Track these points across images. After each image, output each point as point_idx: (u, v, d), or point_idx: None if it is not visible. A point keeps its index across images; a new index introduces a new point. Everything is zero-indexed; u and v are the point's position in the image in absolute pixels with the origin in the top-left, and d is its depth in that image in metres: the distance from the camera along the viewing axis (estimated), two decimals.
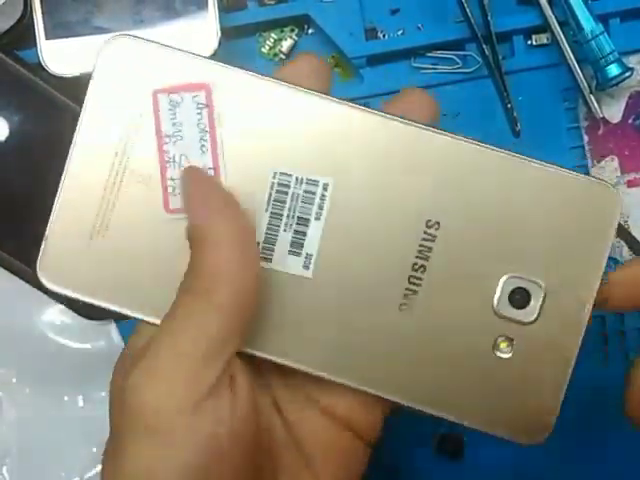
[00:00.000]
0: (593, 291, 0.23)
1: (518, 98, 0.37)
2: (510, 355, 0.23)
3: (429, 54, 0.37)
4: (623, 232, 0.36)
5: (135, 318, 0.23)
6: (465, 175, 0.23)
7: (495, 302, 0.23)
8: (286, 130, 0.23)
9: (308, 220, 0.23)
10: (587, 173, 0.37)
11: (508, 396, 0.23)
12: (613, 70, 0.34)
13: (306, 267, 0.23)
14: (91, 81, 0.22)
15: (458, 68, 0.37)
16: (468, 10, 0.36)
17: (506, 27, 0.36)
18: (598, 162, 0.37)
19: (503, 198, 0.23)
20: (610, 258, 0.36)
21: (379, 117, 0.23)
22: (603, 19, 0.35)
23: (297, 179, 0.23)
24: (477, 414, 0.23)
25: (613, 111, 0.37)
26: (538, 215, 0.23)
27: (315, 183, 0.23)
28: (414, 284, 0.22)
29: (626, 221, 0.37)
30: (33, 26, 0.34)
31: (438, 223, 0.22)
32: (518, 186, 0.23)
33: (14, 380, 0.37)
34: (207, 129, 0.22)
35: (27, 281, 0.35)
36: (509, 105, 0.36)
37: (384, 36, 0.37)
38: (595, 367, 0.37)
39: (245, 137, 0.23)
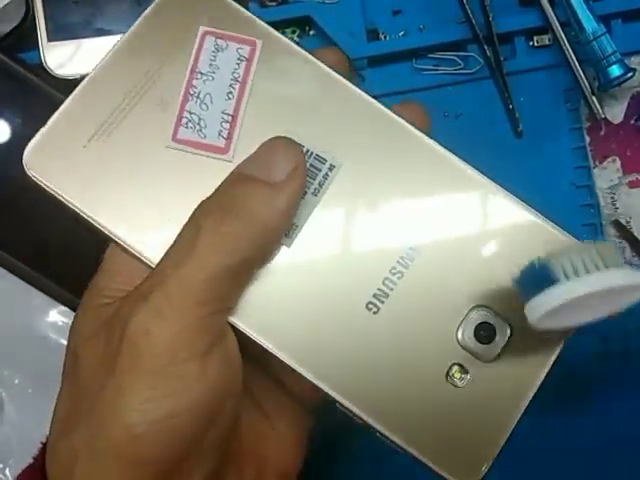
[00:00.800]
0: (556, 348, 0.22)
1: (520, 99, 0.37)
2: (461, 386, 0.22)
3: (431, 55, 0.37)
4: (626, 233, 0.36)
5: (114, 237, 0.22)
6: (458, 202, 0.23)
7: (460, 330, 0.22)
8: (311, 104, 0.23)
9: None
10: (589, 176, 0.37)
11: (450, 428, 0.22)
12: (615, 71, 0.34)
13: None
14: (154, 2, 0.24)
15: (460, 69, 0.37)
16: (470, 11, 0.36)
17: (508, 28, 0.36)
18: (600, 163, 0.37)
19: (489, 232, 0.23)
20: None
21: (404, 124, 0.23)
22: (605, 20, 0.35)
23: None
24: (410, 435, 0.22)
25: (615, 112, 0.37)
26: (513, 254, 0.22)
27: (323, 161, 0.23)
28: (387, 287, 0.22)
29: (628, 222, 0.36)
30: (35, 28, 0.34)
31: (423, 246, 0.23)
32: (503, 222, 0.23)
33: (16, 381, 0.37)
34: (240, 79, 0.23)
35: (29, 282, 0.36)
36: (511, 106, 0.36)
37: (385, 37, 0.37)
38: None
39: (271, 99, 0.23)
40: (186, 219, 0.21)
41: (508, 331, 0.22)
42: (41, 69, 0.34)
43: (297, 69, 0.23)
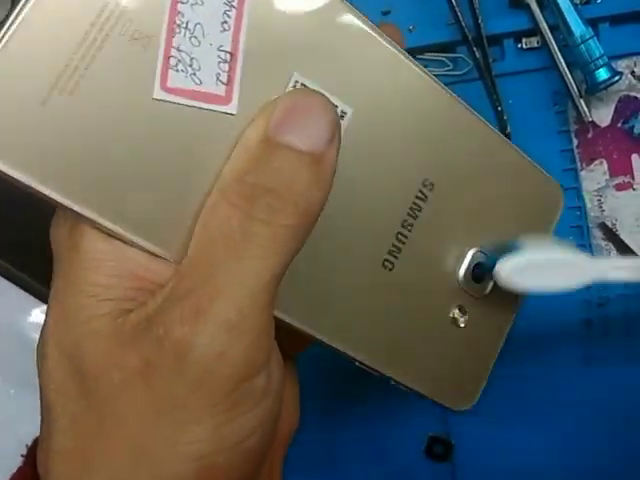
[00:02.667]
0: None
1: (508, 101, 0.37)
2: (462, 326, 0.24)
3: (420, 56, 0.37)
4: (612, 235, 0.37)
5: (101, 223, 0.18)
6: (465, 145, 0.23)
7: (461, 273, 0.23)
8: (321, 43, 0.19)
9: None
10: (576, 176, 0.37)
11: (451, 363, 0.24)
12: (602, 74, 0.34)
13: None
14: None
15: (449, 70, 0.37)
16: (459, 13, 0.36)
17: (497, 30, 0.36)
18: (587, 165, 0.37)
19: (486, 176, 0.23)
20: None
21: (416, 69, 0.22)
22: (593, 23, 0.35)
23: None
24: (422, 376, 0.23)
25: (602, 115, 0.37)
26: (509, 197, 0.24)
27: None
28: (400, 241, 0.22)
29: (614, 224, 0.37)
30: None
31: (432, 185, 0.22)
32: (502, 167, 0.24)
33: None
34: (235, 4, 0.18)
35: (10, 280, 0.35)
36: (499, 108, 0.36)
37: None
38: None
39: (276, 32, 0.19)
40: (191, 192, 0.18)
41: None
42: None
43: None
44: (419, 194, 0.22)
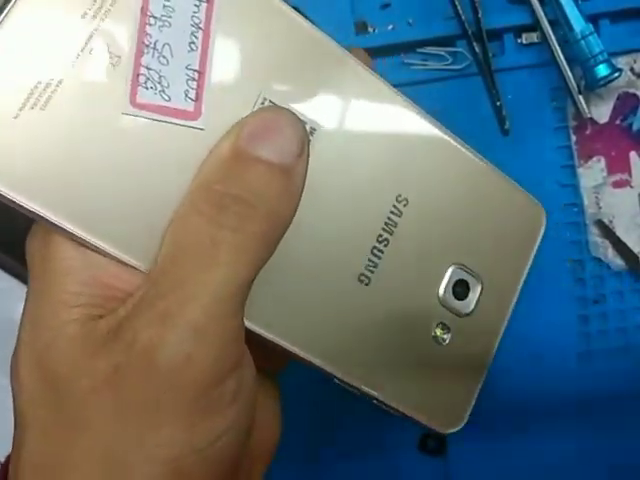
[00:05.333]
0: (513, 298, 0.24)
1: (507, 96, 0.37)
2: (445, 344, 0.23)
3: (419, 50, 0.37)
4: (608, 233, 0.37)
5: (73, 232, 0.18)
6: (438, 161, 0.23)
7: (441, 290, 0.23)
8: (286, 60, 0.20)
9: None
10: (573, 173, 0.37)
11: (436, 383, 0.23)
12: (602, 71, 0.34)
13: None
14: None
15: (448, 65, 0.37)
16: (459, 7, 0.36)
17: (497, 25, 0.36)
18: (585, 162, 0.37)
19: (463, 192, 0.23)
20: (595, 258, 0.37)
21: (382, 84, 0.22)
22: (593, 19, 0.35)
23: None
24: (405, 396, 0.23)
25: (601, 111, 0.37)
26: (488, 215, 0.24)
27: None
28: (376, 256, 0.22)
29: (611, 221, 0.37)
30: None
31: (407, 200, 0.22)
32: (477, 184, 0.24)
33: None
34: (201, 26, 0.19)
35: (5, 269, 0.35)
36: (498, 103, 0.36)
37: (374, 30, 0.37)
38: None
39: (241, 51, 0.20)
40: (161, 203, 0.18)
41: (479, 287, 0.23)
42: None
43: (267, 15, 0.20)
44: (393, 209, 0.22)
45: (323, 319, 0.21)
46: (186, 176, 0.19)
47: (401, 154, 0.22)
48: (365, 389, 0.22)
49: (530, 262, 0.25)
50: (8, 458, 0.19)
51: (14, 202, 0.17)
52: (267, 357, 0.21)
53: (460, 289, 0.23)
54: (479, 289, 0.23)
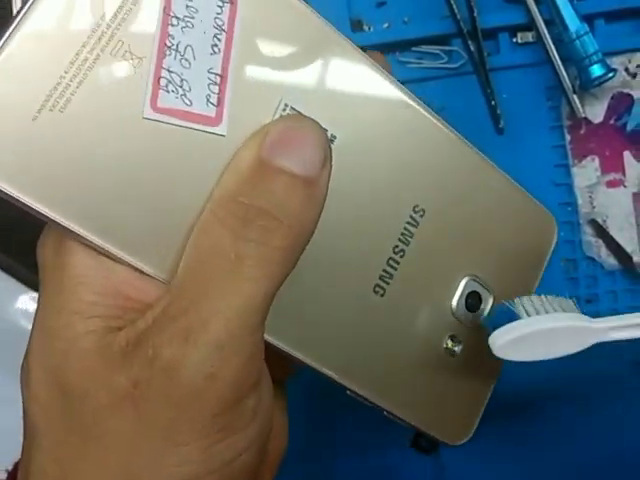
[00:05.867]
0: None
1: (502, 95, 0.37)
2: (457, 355, 0.23)
3: (415, 48, 0.37)
4: (602, 232, 0.37)
5: (92, 241, 0.17)
6: (455, 172, 0.23)
7: (454, 301, 0.23)
8: (306, 64, 0.20)
9: None
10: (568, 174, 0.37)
11: (446, 395, 0.23)
12: (596, 70, 0.34)
13: None
14: None
15: (443, 63, 0.37)
16: (454, 6, 0.36)
17: (492, 24, 0.36)
18: (579, 162, 0.37)
19: (479, 203, 0.23)
20: (588, 258, 0.37)
21: (403, 93, 0.22)
22: (588, 19, 0.35)
23: None
24: (415, 408, 0.23)
25: (595, 111, 0.37)
26: (502, 227, 0.24)
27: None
28: (391, 267, 0.22)
29: (605, 221, 0.37)
30: (11, 11, 0.34)
31: (424, 210, 0.22)
32: (493, 195, 0.23)
33: None
34: (225, 28, 0.18)
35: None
36: (493, 102, 0.36)
37: (370, 29, 0.37)
38: None
39: (263, 55, 0.19)
40: (181, 210, 0.18)
41: (491, 299, 0.23)
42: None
43: (293, 20, 0.20)
44: (410, 220, 0.22)
45: (337, 330, 0.21)
46: (207, 183, 0.18)
47: (419, 164, 0.22)
48: (377, 402, 0.22)
49: (541, 274, 0.24)
50: (16, 466, 0.19)
51: (30, 207, 0.17)
52: (277, 364, 0.21)
53: (472, 301, 0.23)
54: (491, 301, 0.23)
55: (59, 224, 0.17)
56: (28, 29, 0.17)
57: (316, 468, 0.38)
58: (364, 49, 0.22)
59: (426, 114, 0.22)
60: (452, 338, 0.23)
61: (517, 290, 0.24)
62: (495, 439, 0.37)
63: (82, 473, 0.17)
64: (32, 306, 0.37)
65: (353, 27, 0.37)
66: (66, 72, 0.17)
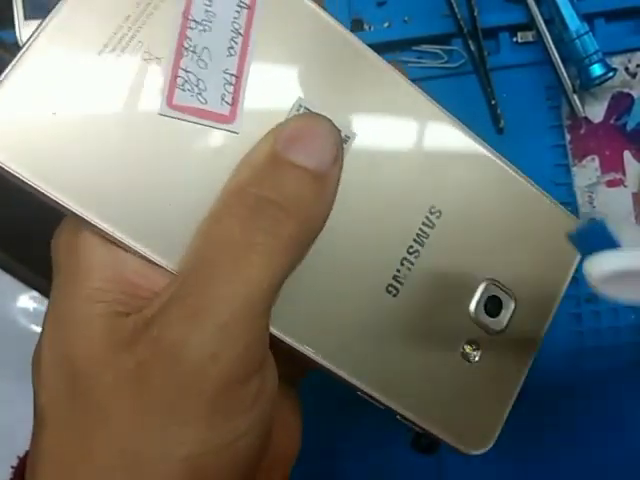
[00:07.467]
0: (549, 316, 0.23)
1: (502, 95, 0.37)
2: (474, 362, 0.22)
3: (415, 48, 0.37)
4: None
5: (105, 230, 0.18)
6: (473, 173, 0.22)
7: (472, 306, 0.22)
8: (322, 67, 0.20)
9: None
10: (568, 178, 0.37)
11: (463, 402, 0.22)
12: (596, 70, 0.34)
13: None
14: None
15: (443, 63, 0.37)
16: (455, 5, 0.36)
17: (492, 23, 0.36)
18: (579, 161, 0.37)
19: (499, 206, 0.23)
20: None
21: (420, 94, 0.22)
22: (588, 19, 0.35)
23: None
24: (429, 412, 0.22)
25: (595, 111, 0.37)
26: (524, 230, 0.23)
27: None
28: (406, 267, 0.21)
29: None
30: (11, 6, 0.33)
31: (440, 212, 0.22)
32: (514, 199, 0.23)
33: None
34: (241, 31, 0.19)
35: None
36: (493, 102, 0.36)
37: (370, 28, 0.37)
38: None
39: (279, 57, 0.20)
40: (193, 203, 0.18)
41: (512, 304, 0.23)
42: (18, 48, 0.33)
43: (307, 23, 0.20)
44: (425, 220, 0.22)
45: (348, 328, 0.21)
46: (219, 178, 0.19)
47: (435, 165, 0.22)
48: (388, 404, 0.21)
49: (568, 281, 0.24)
50: (26, 454, 0.19)
51: (47, 196, 0.18)
52: (287, 364, 0.21)
53: (492, 306, 0.22)
54: (512, 306, 0.23)
55: (72, 212, 0.18)
56: (53, 27, 0.18)
57: (316, 468, 0.38)
58: (392, 61, 0.22)
59: (443, 115, 0.22)
60: (471, 343, 0.22)
61: (542, 295, 0.23)
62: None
63: (88, 453, 0.17)
64: (32, 305, 0.37)
65: (354, 26, 0.37)
66: (86, 71, 0.18)
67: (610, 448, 0.37)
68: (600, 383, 0.37)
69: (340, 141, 0.19)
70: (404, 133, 0.22)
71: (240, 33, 0.19)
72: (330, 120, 0.19)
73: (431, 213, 0.22)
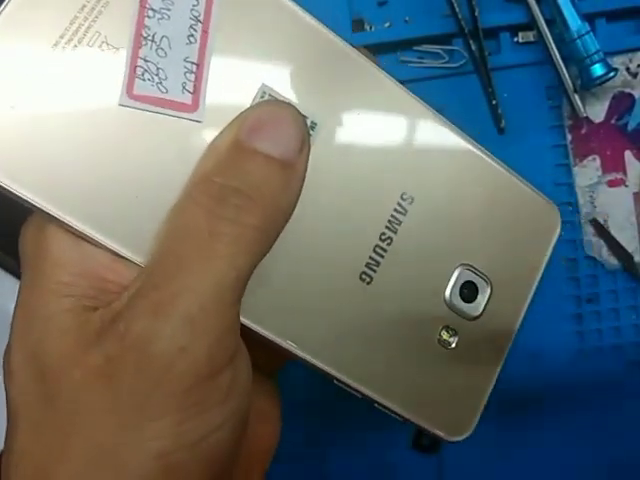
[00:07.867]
0: (526, 300, 0.23)
1: (503, 95, 0.37)
2: (451, 348, 0.22)
3: (416, 48, 0.37)
4: (603, 232, 0.37)
5: (69, 224, 0.18)
6: (446, 159, 0.22)
7: (448, 291, 0.22)
8: (286, 53, 0.20)
9: None
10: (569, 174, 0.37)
11: (441, 388, 0.22)
12: (597, 70, 0.34)
13: None
14: None
15: (444, 63, 0.37)
16: (456, 5, 0.36)
17: (493, 23, 0.36)
18: (580, 161, 0.37)
19: (472, 191, 0.23)
20: (589, 257, 0.37)
21: (387, 79, 0.21)
22: (589, 18, 0.35)
23: None
24: (406, 399, 0.22)
25: (596, 111, 0.37)
26: (497, 216, 0.23)
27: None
28: (378, 254, 0.21)
29: (606, 220, 0.37)
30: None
31: (412, 198, 0.22)
32: (487, 183, 0.23)
33: None
34: (201, 18, 0.19)
35: None
36: (494, 101, 0.36)
37: (371, 28, 0.37)
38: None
39: (241, 44, 0.20)
40: (157, 195, 0.18)
41: (488, 289, 0.23)
42: None
43: (269, 8, 0.20)
44: (397, 207, 0.21)
45: (321, 316, 0.21)
46: (183, 169, 0.19)
47: (406, 151, 0.22)
48: (365, 392, 0.21)
49: (544, 264, 0.24)
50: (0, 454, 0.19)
51: (9, 191, 0.17)
52: (264, 355, 0.21)
53: (468, 291, 0.22)
54: (488, 292, 0.23)
55: (37, 207, 0.18)
56: (5, 20, 0.17)
57: (316, 467, 0.38)
58: (358, 47, 0.22)
59: (411, 99, 0.22)
60: (447, 330, 0.22)
61: (518, 280, 0.23)
62: (495, 439, 0.37)
63: (60, 453, 0.17)
64: None
65: (354, 27, 0.37)
66: (43, 62, 0.17)
67: (610, 448, 0.37)
68: (600, 383, 0.37)
69: (306, 127, 0.19)
70: (373, 119, 0.21)
71: (200, 20, 0.19)
72: (294, 107, 0.19)
73: (403, 199, 0.22)
